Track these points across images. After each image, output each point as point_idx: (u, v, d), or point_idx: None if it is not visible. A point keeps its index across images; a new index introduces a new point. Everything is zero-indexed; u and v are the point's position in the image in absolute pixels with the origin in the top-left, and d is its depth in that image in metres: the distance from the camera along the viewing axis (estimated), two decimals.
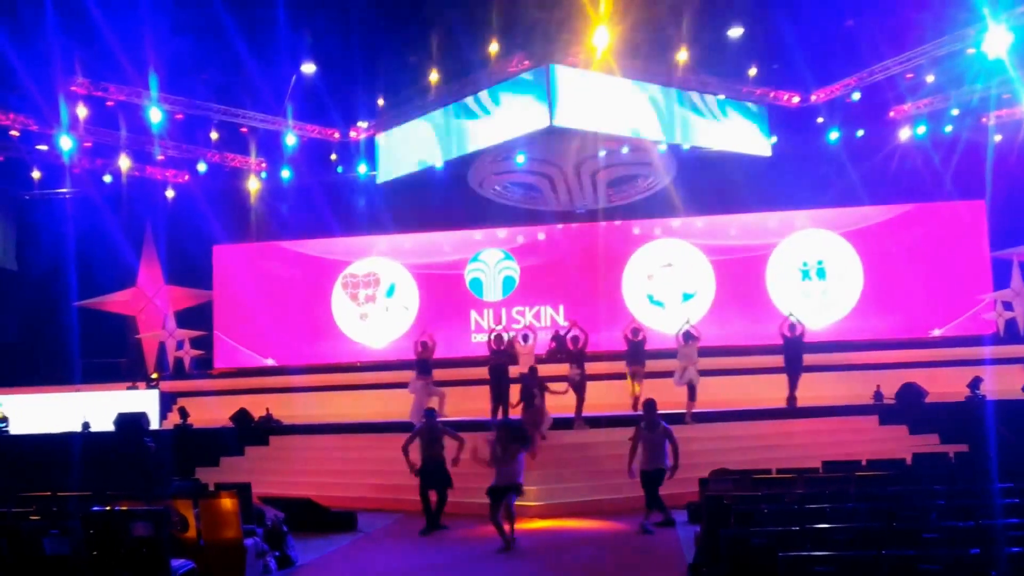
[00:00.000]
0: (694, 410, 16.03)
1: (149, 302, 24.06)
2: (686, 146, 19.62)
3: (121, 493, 9.83)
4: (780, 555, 5.17)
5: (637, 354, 16.88)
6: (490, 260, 23.22)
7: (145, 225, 24.24)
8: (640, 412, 12.61)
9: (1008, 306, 21.18)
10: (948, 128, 20.69)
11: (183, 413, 18.90)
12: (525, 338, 17.67)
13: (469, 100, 18.80)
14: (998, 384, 17.89)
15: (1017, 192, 21.28)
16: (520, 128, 17.90)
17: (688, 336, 16.36)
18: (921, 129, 20.79)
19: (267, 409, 18.59)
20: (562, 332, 17.57)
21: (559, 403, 15.65)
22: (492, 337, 16.51)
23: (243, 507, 9.76)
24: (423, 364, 16.20)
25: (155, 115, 19.22)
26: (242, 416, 18.07)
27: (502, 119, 18.15)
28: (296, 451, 17.25)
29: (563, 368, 16.29)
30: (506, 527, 10.99)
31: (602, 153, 19.46)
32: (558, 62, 17.36)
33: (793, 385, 16.77)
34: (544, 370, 16.09)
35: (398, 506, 13.78)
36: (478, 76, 18.68)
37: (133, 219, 24.00)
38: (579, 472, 14.17)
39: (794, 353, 16.86)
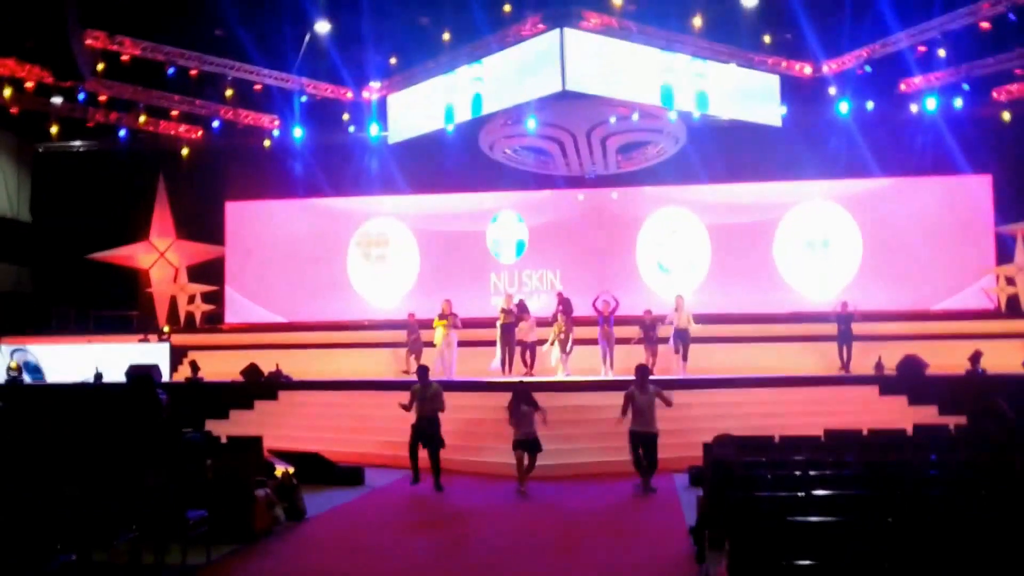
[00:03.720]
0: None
1: (161, 256, 24.27)
2: (697, 114, 19.63)
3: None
4: (788, 519, 5.37)
5: (651, 334, 18.86)
6: (506, 222, 23.40)
7: (157, 180, 24.36)
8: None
9: (1011, 281, 21.31)
10: (958, 102, 20.65)
11: (194, 367, 19.17)
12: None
13: (482, 62, 18.79)
14: (998, 359, 18.11)
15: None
16: (532, 92, 17.87)
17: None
18: (931, 102, 20.76)
19: (277, 365, 18.83)
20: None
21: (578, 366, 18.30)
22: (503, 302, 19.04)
23: (254, 459, 10.10)
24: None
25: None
26: (252, 371, 18.37)
27: (515, 82, 18.16)
28: (304, 406, 17.54)
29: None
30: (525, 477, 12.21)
31: (613, 119, 19.44)
32: (572, 26, 17.34)
33: (843, 355, 18.93)
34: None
35: (404, 463, 13.96)
36: (491, 38, 18.71)
37: (146, 174, 24.20)
38: (585, 434, 14.45)
39: (845, 328, 18.99)
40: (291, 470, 11.09)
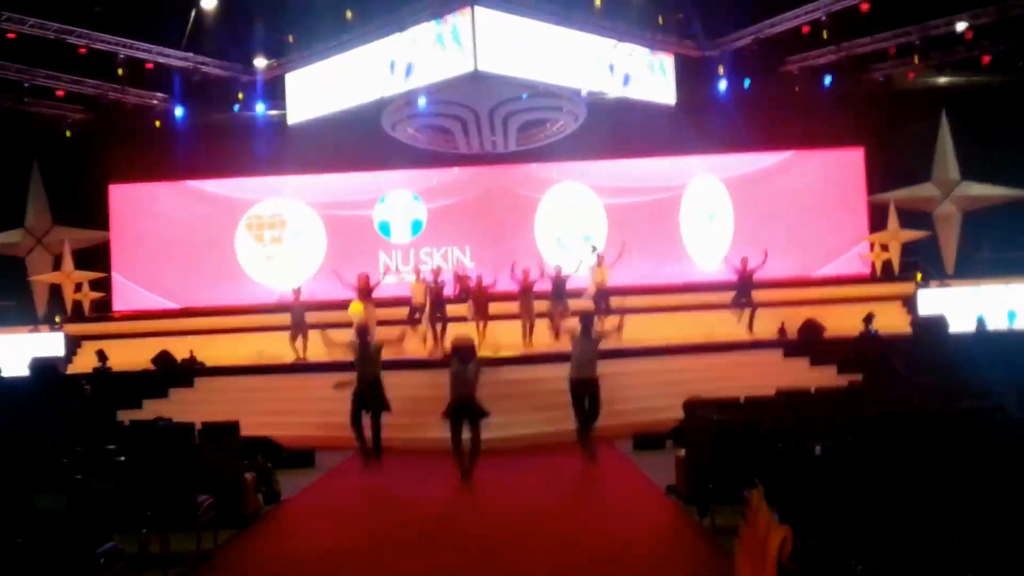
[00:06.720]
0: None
1: (37, 243, 23.11)
2: (584, 91, 20.03)
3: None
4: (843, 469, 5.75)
5: (561, 290, 18.62)
6: (398, 202, 23.31)
7: (32, 163, 23.16)
8: None
9: (884, 248, 22.83)
10: (837, 78, 21.90)
11: (101, 356, 18.39)
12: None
13: (387, 40, 18.68)
14: (882, 320, 19.45)
15: (894, 140, 22.94)
16: (441, 73, 17.93)
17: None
18: (813, 79, 21.97)
19: (191, 351, 18.31)
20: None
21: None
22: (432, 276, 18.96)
23: (237, 444, 10.01)
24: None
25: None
26: (164, 358, 17.80)
27: (422, 62, 18.15)
28: (224, 392, 17.00)
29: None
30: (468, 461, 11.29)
31: (516, 97, 19.67)
32: (483, 4, 17.40)
33: (747, 315, 19.15)
34: None
35: (344, 444, 13.81)
36: (398, 16, 18.57)
37: (21, 158, 22.95)
38: (519, 407, 14.71)
39: (744, 285, 19.23)
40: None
